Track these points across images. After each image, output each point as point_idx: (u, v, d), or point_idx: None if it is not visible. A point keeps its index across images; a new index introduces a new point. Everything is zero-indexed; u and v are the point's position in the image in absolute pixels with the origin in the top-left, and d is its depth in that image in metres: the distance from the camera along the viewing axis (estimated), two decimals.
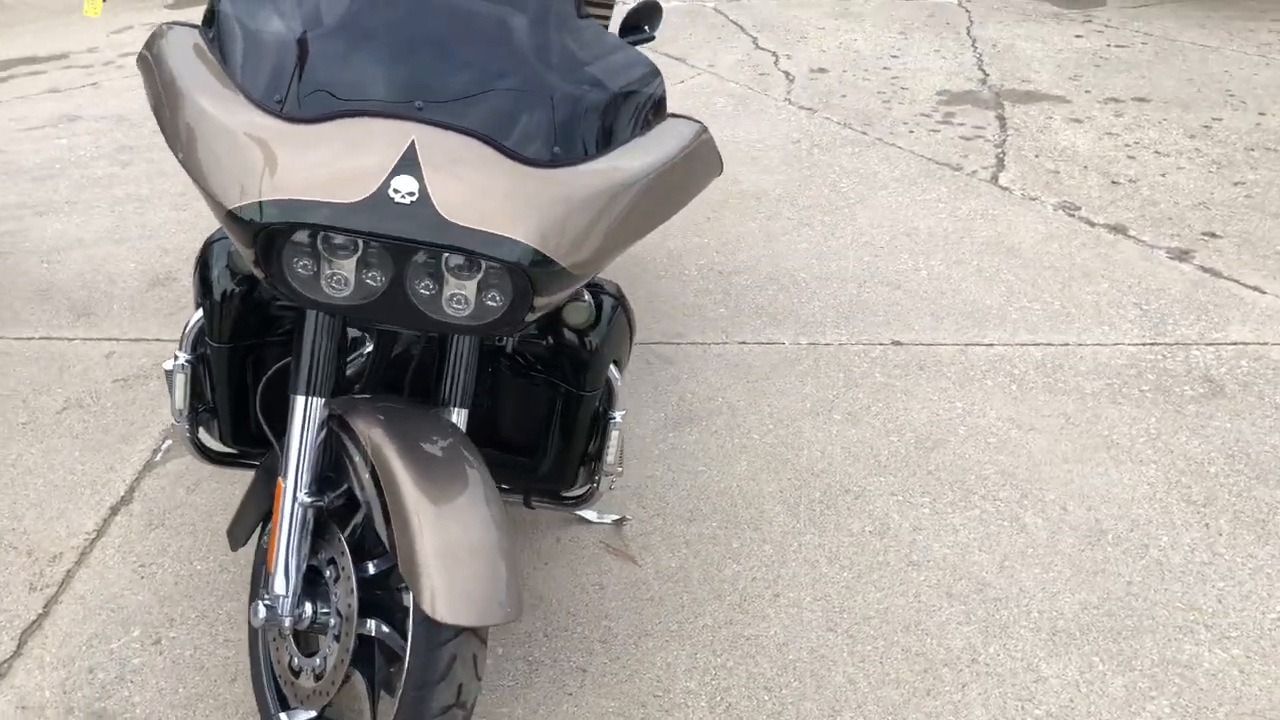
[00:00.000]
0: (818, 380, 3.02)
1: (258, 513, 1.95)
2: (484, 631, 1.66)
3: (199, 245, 1.97)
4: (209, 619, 2.25)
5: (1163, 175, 4.29)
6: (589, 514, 2.48)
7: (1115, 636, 2.16)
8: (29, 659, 2.16)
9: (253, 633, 1.99)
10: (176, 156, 1.57)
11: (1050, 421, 2.82)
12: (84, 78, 6.14)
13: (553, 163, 1.55)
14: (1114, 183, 4.24)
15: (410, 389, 2.01)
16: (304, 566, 1.76)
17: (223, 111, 1.53)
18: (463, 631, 1.59)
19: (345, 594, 1.72)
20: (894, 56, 5.89)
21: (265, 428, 1.90)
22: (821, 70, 5.70)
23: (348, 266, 1.54)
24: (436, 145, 1.48)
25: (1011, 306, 3.37)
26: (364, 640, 1.74)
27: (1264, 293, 3.39)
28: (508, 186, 1.50)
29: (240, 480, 2.35)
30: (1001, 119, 4.95)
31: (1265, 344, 3.12)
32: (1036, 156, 4.51)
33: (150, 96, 1.66)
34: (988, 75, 5.55)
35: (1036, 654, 2.13)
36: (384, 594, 1.77)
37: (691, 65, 5.83)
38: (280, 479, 1.75)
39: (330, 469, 1.79)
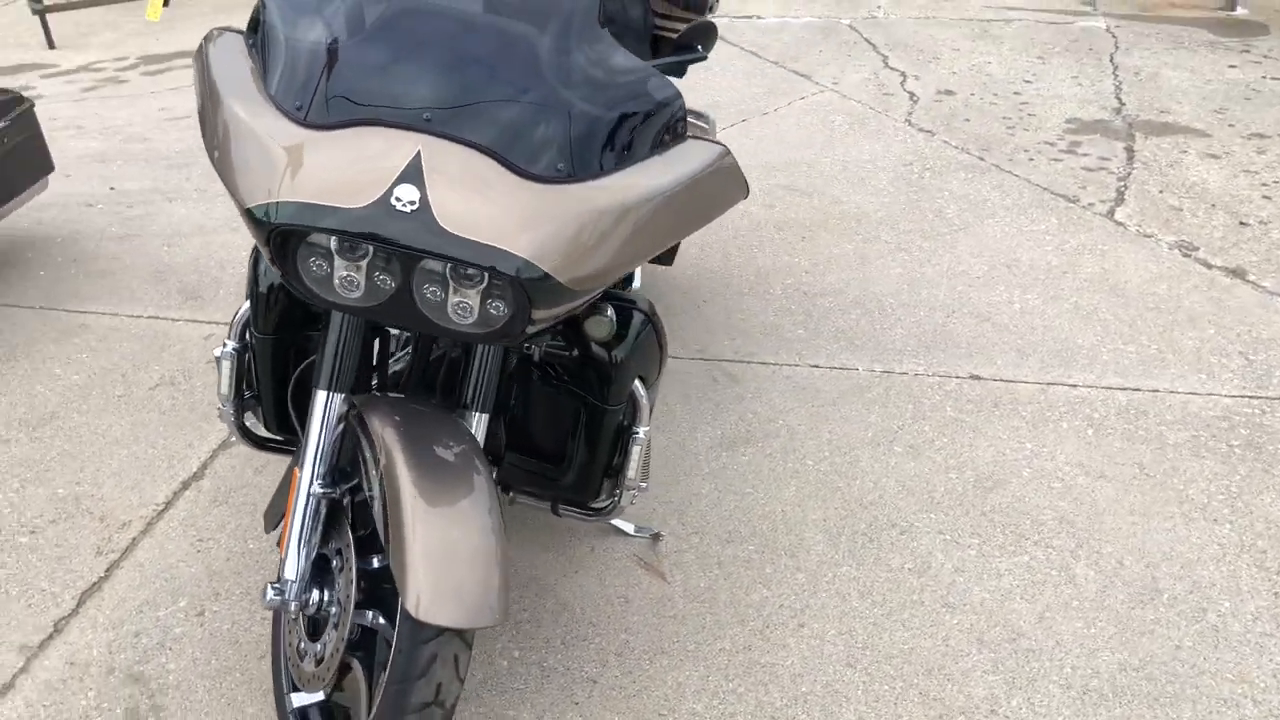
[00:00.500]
0: (885, 410, 2.96)
1: (288, 498, 2.03)
2: (469, 634, 1.69)
3: None
4: (251, 596, 2.35)
5: None
6: (626, 526, 2.49)
7: (1151, 702, 2.05)
8: (84, 619, 2.30)
9: (276, 614, 2.07)
10: (210, 156, 1.66)
11: (1123, 470, 2.69)
12: None
13: (557, 179, 1.57)
14: (1242, 224, 4.01)
15: (442, 392, 2.06)
16: (314, 554, 1.82)
17: (249, 115, 1.60)
18: (445, 631, 1.62)
19: (346, 584, 1.78)
20: (1027, 81, 5.71)
21: (294, 418, 1.98)
22: (948, 92, 5.56)
23: (359, 269, 1.59)
24: (441, 157, 1.53)
25: (1104, 347, 3.23)
26: (367, 631, 1.80)
27: None
28: (508, 200, 1.53)
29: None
30: (1130, 151, 4.74)
31: None
32: (1160, 192, 4.30)
33: (197, 97, 1.76)
34: (1124, 104, 5.32)
35: (1062, 712, 2.04)
36: (388, 588, 1.81)
37: (815, 82, 5.78)
38: (297, 468, 1.82)
39: (349, 463, 1.86)
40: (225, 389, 2.10)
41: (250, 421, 2.21)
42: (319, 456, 1.81)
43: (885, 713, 2.05)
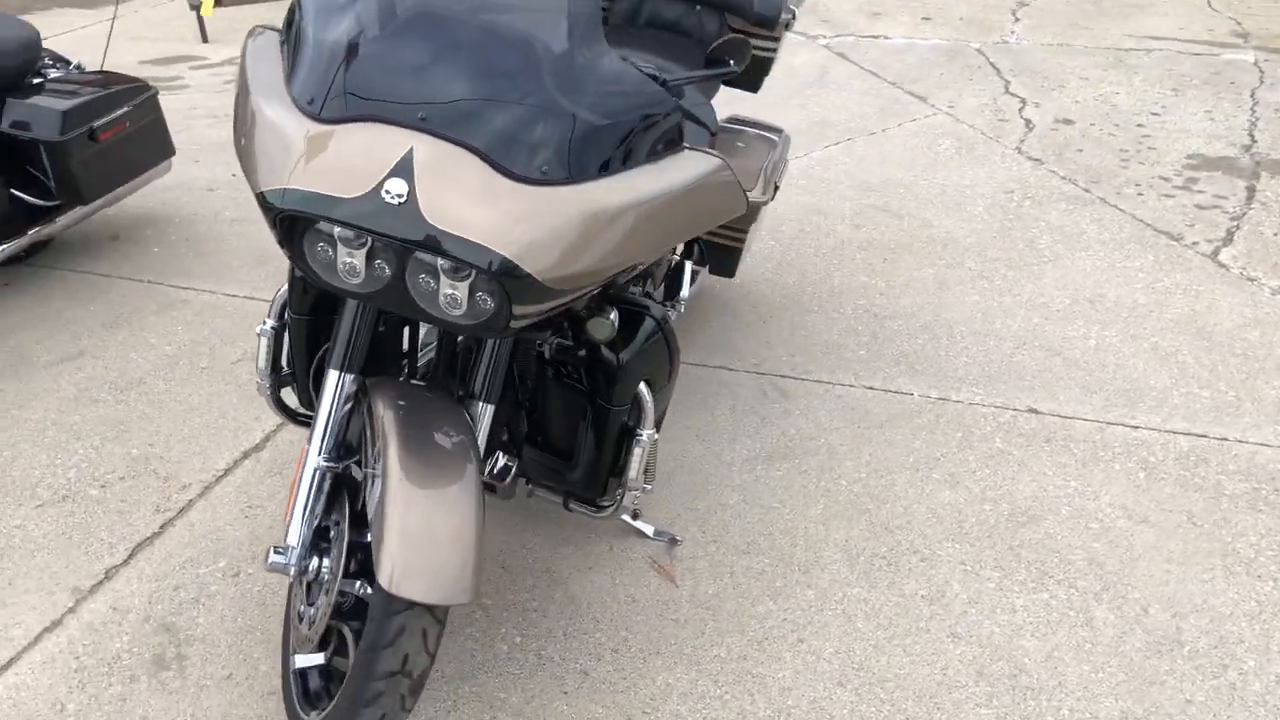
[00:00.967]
0: (932, 436, 2.92)
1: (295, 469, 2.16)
2: (439, 610, 1.77)
3: None
4: None
5: None
6: (645, 528, 2.54)
7: None
8: (132, 570, 2.48)
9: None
10: (236, 144, 1.79)
11: (1169, 517, 2.59)
12: None
13: (544, 181, 1.64)
14: None
15: (461, 382, 2.15)
16: (315, 523, 1.93)
17: (270, 108, 1.72)
18: (415, 605, 1.70)
19: (338, 554, 1.88)
20: (1154, 114, 5.50)
21: (313, 395, 2.10)
22: (1066, 121, 5.41)
23: (358, 256, 1.69)
24: (432, 154, 1.61)
25: (1177, 390, 3.11)
26: (361, 602, 1.90)
27: None
28: (492, 199, 1.60)
29: None
30: (1251, 190, 4.53)
31: None
32: (1276, 235, 4.10)
33: (236, 90, 1.89)
34: (1255, 141, 5.08)
35: None
36: None
37: (930, 105, 5.70)
38: (306, 443, 1.93)
39: (355, 440, 1.96)
40: (263, 363, 2.24)
41: (287, 396, 2.34)
42: (327, 432, 1.92)
43: None
